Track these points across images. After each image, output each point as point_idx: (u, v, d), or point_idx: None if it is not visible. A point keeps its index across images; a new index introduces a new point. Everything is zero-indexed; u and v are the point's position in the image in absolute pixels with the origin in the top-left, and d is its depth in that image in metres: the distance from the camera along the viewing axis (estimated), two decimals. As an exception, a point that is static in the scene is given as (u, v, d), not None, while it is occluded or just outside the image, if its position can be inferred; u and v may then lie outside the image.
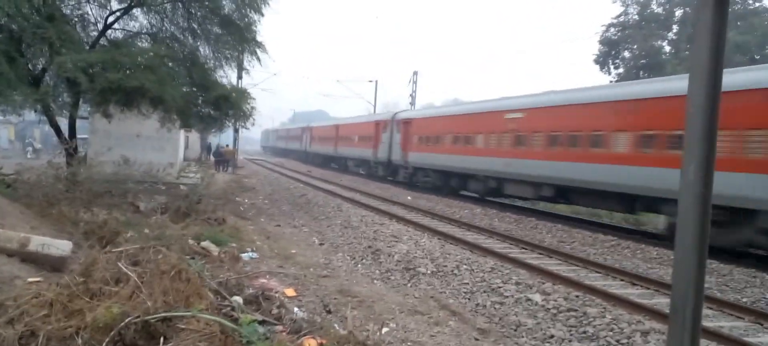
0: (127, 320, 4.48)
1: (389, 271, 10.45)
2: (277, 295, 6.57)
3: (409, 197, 24.16)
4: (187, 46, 16.83)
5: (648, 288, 9.61)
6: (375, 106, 56.74)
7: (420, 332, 6.60)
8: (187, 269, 5.72)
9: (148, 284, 5.26)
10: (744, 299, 9.22)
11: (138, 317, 4.56)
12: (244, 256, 9.15)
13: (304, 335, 5.14)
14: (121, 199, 12.73)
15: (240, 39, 16.36)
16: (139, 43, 16.36)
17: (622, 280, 10.17)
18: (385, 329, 6.43)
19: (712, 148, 2.27)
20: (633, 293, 9.25)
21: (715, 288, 9.80)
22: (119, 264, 5.74)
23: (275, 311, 5.86)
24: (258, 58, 17.13)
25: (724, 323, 7.70)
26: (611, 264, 11.46)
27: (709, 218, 2.32)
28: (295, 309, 6.29)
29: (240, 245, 9.99)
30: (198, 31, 16.55)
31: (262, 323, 5.33)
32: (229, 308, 5.53)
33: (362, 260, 11.33)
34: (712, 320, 7.77)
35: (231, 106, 16.14)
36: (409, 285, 9.55)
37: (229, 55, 16.95)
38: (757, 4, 34.84)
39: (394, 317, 7.08)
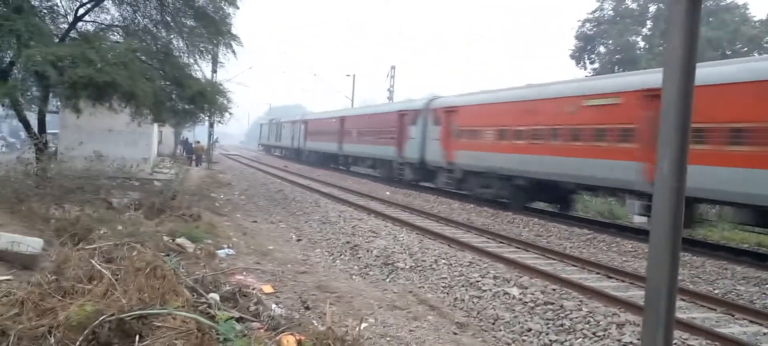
0: (101, 319, 4.39)
1: (368, 266, 10.44)
2: (254, 292, 6.50)
3: (387, 193, 24.15)
4: (161, 39, 16.58)
5: (623, 281, 9.75)
6: (353, 101, 56.57)
7: (399, 327, 6.60)
8: (163, 266, 5.63)
9: (123, 281, 5.16)
10: (716, 291, 9.41)
11: (112, 315, 4.48)
12: (220, 252, 9.05)
13: (282, 331, 5.10)
14: (94, 195, 12.47)
15: (215, 32, 16.17)
16: (111, 36, 16.07)
17: (597, 273, 10.30)
18: (364, 325, 6.42)
19: (685, 142, 2.30)
20: (608, 285, 9.38)
21: (687, 280, 9.99)
22: (92, 261, 5.62)
23: (252, 307, 5.79)
24: (233, 52, 16.98)
25: (697, 315, 7.85)
26: (587, 257, 11.60)
27: (682, 212, 2.35)
28: (273, 306, 6.24)
29: (216, 241, 9.87)
30: (171, 24, 16.30)
31: (239, 320, 5.28)
32: (205, 306, 5.45)
33: (340, 255, 11.30)
34: (685, 311, 7.92)
35: (206, 101, 15.95)
36: (387, 280, 9.56)
37: (203, 49, 16.73)
38: (728, 1, 35.53)
39: (372, 312, 7.08)
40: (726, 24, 33.44)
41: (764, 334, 7.23)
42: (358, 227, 14.09)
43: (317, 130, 44.01)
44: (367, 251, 11.45)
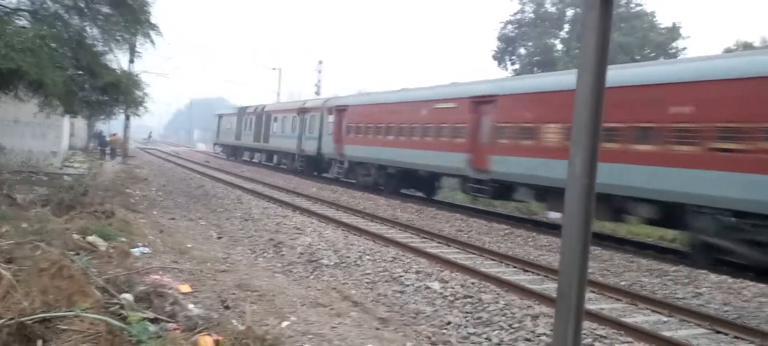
0: (-2, 324, 4.10)
1: (291, 264, 10.31)
2: (170, 291, 6.27)
3: (313, 189, 23.96)
4: (73, 26, 15.65)
5: (538, 274, 10.16)
6: (279, 95, 55.70)
7: (321, 325, 6.56)
8: (70, 266, 5.35)
9: (25, 282, 4.86)
10: (622, 283, 9.97)
11: (12, 319, 4.20)
12: (135, 251, 8.66)
13: (200, 331, 4.95)
14: (-5, 190, 11.65)
15: (132, 20, 15.43)
16: (17, 21, 14.99)
17: (514, 267, 10.67)
18: (285, 323, 6.34)
19: (596, 142, 2.41)
20: (524, 279, 9.74)
21: (597, 273, 10.52)
22: (-10, 262, 5.25)
23: (168, 308, 5.59)
24: (152, 41, 16.28)
25: (605, 306, 8.30)
26: (505, 252, 11.99)
27: (593, 208, 2.46)
28: (190, 306, 6.04)
29: (130, 239, 9.44)
30: (85, 10, 15.42)
31: (153, 321, 5.08)
32: (117, 307, 5.22)
33: (263, 253, 11.10)
34: (595, 302, 8.34)
35: (121, 92, 15.22)
36: (311, 277, 9.47)
37: (120, 37, 15.94)
38: (638, 8, 37.72)
39: (295, 310, 7.00)
40: (636, 30, 35.51)
41: (664, 322, 7.74)
42: (282, 224, 13.89)
43: (382, 125, 23.54)
44: (291, 248, 11.32)
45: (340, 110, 27.09)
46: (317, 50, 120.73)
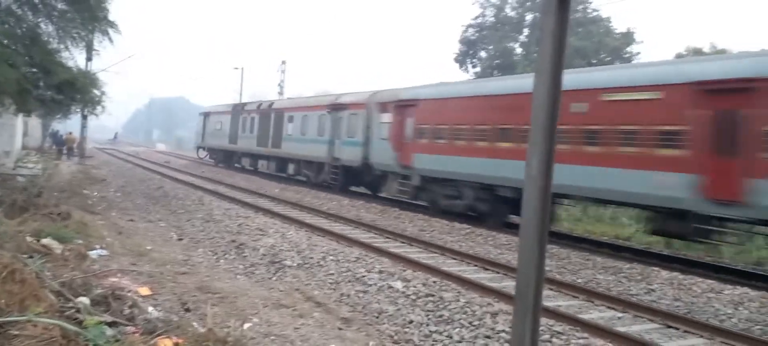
0: (-54, 330, 3.96)
1: (254, 265, 10.23)
2: (129, 294, 6.16)
3: (276, 190, 23.76)
4: (27, 22, 15.15)
5: (498, 272, 10.33)
6: (241, 95, 55.04)
7: (284, 326, 6.55)
8: (23, 269, 5.20)
9: (-26, 287, 4.70)
10: (579, 280, 10.22)
11: (-39, 325, 4.06)
12: (92, 253, 8.47)
13: (159, 335, 4.88)
14: (-58, 192, 11.20)
15: (89, 17, 15.01)
16: (-35, 17, 14.44)
17: (475, 265, 10.83)
18: (247, 325, 6.30)
19: (552, 143, 2.48)
20: (484, 277, 9.89)
21: (555, 271, 10.75)
22: (-63, 266, 5.06)
23: (127, 311, 5.49)
24: (110, 39, 15.88)
25: (562, 303, 8.49)
26: (466, 251, 12.14)
27: (549, 208, 2.53)
28: (150, 308, 5.95)
29: (87, 241, 9.22)
30: (39, 6, 14.94)
31: (111, 324, 4.98)
32: (73, 310, 5.10)
33: (225, 255, 10.97)
34: (552, 299, 8.53)
35: (77, 91, 14.80)
36: (274, 279, 9.42)
37: (76, 35, 15.49)
38: (595, 13, 38.64)
39: (257, 311, 6.96)
40: (592, 35, 36.38)
41: (619, 318, 7.97)
42: (244, 225, 13.74)
43: (488, 128, 16.13)
44: (254, 249, 11.22)
45: (405, 106, 19.90)
46: (279, 51, 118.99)
